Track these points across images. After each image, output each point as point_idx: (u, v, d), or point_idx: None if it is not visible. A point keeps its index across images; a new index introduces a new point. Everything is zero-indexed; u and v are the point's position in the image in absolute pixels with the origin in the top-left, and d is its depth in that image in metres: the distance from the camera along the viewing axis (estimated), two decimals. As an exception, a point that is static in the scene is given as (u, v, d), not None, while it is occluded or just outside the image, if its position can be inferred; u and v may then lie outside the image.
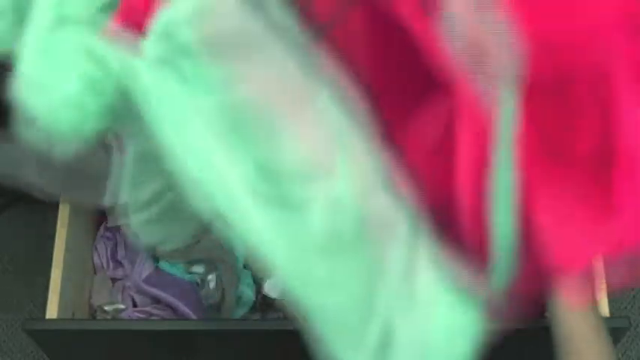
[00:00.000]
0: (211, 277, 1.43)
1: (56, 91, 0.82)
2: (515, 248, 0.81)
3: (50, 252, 1.34)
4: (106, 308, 1.39)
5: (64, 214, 1.36)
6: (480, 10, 0.76)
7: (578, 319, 0.86)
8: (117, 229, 1.48)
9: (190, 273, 1.43)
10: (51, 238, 1.37)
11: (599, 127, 0.81)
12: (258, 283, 1.46)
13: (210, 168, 0.78)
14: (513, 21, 0.77)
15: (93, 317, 1.37)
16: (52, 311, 1.29)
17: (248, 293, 1.44)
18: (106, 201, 0.98)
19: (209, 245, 1.42)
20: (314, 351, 0.86)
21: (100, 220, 1.50)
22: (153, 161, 0.84)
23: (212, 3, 0.80)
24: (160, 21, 0.81)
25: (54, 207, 1.38)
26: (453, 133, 0.80)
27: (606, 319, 1.31)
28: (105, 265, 1.47)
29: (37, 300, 1.60)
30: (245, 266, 1.46)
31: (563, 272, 0.83)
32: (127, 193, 0.93)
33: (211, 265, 1.42)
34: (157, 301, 1.41)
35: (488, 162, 0.79)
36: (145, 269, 1.43)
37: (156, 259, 1.45)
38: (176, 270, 1.43)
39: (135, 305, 1.42)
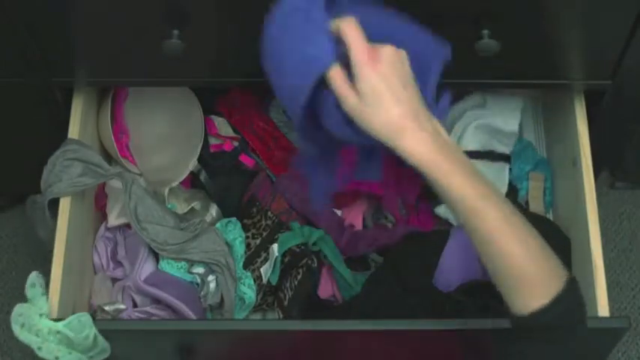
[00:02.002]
0: (211, 277, 1.43)
1: None
2: None
3: (50, 252, 1.34)
4: (106, 308, 1.39)
5: (63, 213, 1.36)
6: None
7: None
8: (117, 229, 1.48)
9: (191, 273, 1.43)
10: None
11: None
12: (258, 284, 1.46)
13: None
14: None
15: (93, 317, 1.37)
16: (52, 311, 1.29)
17: (250, 295, 1.44)
18: None
19: (208, 247, 1.42)
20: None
21: (100, 220, 1.50)
22: None
23: None
24: None
25: (54, 207, 1.38)
26: None
27: (606, 319, 1.31)
28: (105, 265, 1.47)
29: (37, 300, 1.60)
30: (245, 267, 1.46)
31: None
32: None
33: (211, 266, 1.42)
34: (156, 301, 1.41)
35: None
36: (145, 269, 1.42)
37: (156, 259, 1.45)
38: (176, 270, 1.43)
39: (135, 305, 1.42)
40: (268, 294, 1.48)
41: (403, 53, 1.04)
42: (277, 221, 1.49)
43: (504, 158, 1.57)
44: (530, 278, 1.05)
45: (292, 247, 1.46)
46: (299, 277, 1.46)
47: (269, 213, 1.50)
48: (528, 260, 1.04)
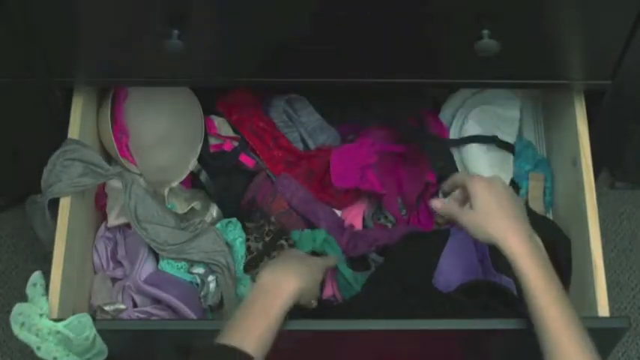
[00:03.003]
0: (211, 278, 1.43)
1: None
2: None
3: (50, 252, 1.34)
4: (106, 308, 1.39)
5: (63, 213, 1.36)
6: None
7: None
8: (117, 229, 1.48)
9: (191, 273, 1.43)
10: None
11: None
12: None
13: None
14: None
15: (93, 317, 1.37)
16: (51, 311, 1.28)
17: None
18: None
19: (208, 247, 1.42)
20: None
21: (100, 220, 1.50)
22: None
23: None
24: None
25: (54, 207, 1.38)
26: None
27: (606, 319, 1.31)
28: (105, 265, 1.47)
29: (37, 300, 1.60)
30: (245, 269, 1.46)
31: None
32: None
33: (211, 266, 1.42)
34: (156, 301, 1.41)
35: None
36: (145, 269, 1.42)
37: (156, 259, 1.45)
38: (176, 270, 1.43)
39: (135, 305, 1.42)
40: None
41: (504, 183, 1.33)
42: (280, 227, 1.49)
43: (508, 148, 1.57)
44: None
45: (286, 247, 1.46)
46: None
47: (272, 218, 1.50)
48: None
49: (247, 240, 1.48)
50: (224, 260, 1.42)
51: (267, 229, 1.49)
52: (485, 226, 1.25)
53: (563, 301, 1.18)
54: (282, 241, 1.47)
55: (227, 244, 1.44)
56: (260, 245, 1.48)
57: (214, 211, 1.53)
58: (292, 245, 1.48)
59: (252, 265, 1.47)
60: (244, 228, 1.49)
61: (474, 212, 1.26)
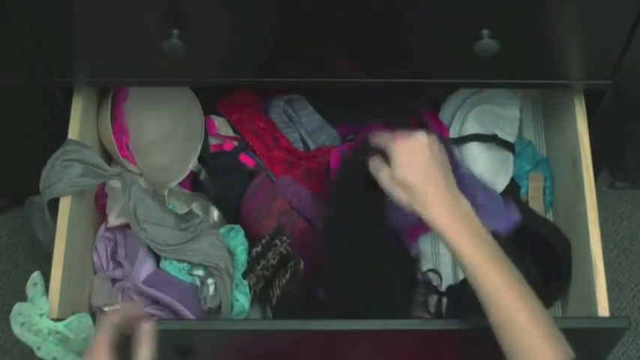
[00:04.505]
0: (211, 281, 1.42)
1: None
2: None
3: (50, 252, 1.34)
4: (105, 309, 1.39)
5: (63, 213, 1.36)
6: None
7: None
8: (117, 230, 1.48)
9: (191, 275, 1.43)
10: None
11: None
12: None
13: None
14: None
15: (93, 318, 1.37)
16: (51, 311, 1.29)
17: (242, 303, 1.43)
18: None
19: (208, 250, 1.42)
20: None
21: (100, 220, 1.50)
22: None
23: None
24: None
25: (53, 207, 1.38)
26: None
27: (606, 319, 1.31)
28: (104, 265, 1.47)
29: (37, 300, 1.60)
30: (244, 276, 1.46)
31: None
32: None
33: (210, 269, 1.42)
34: (155, 302, 1.41)
35: None
36: (144, 270, 1.42)
37: (156, 259, 1.45)
38: (178, 271, 1.43)
39: (135, 305, 1.42)
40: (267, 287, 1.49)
41: (434, 137, 1.20)
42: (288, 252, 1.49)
43: (508, 147, 1.57)
44: (532, 347, 1.09)
45: (280, 249, 1.46)
46: (287, 275, 1.46)
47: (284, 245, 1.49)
48: (532, 329, 1.10)
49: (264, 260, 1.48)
50: (223, 264, 1.41)
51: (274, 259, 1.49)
52: (406, 197, 1.18)
53: (502, 267, 1.13)
54: (277, 241, 1.47)
55: (228, 250, 1.44)
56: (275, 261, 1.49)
57: (215, 214, 1.53)
58: (287, 247, 1.47)
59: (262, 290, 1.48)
60: (261, 254, 1.48)
61: (396, 179, 1.18)
